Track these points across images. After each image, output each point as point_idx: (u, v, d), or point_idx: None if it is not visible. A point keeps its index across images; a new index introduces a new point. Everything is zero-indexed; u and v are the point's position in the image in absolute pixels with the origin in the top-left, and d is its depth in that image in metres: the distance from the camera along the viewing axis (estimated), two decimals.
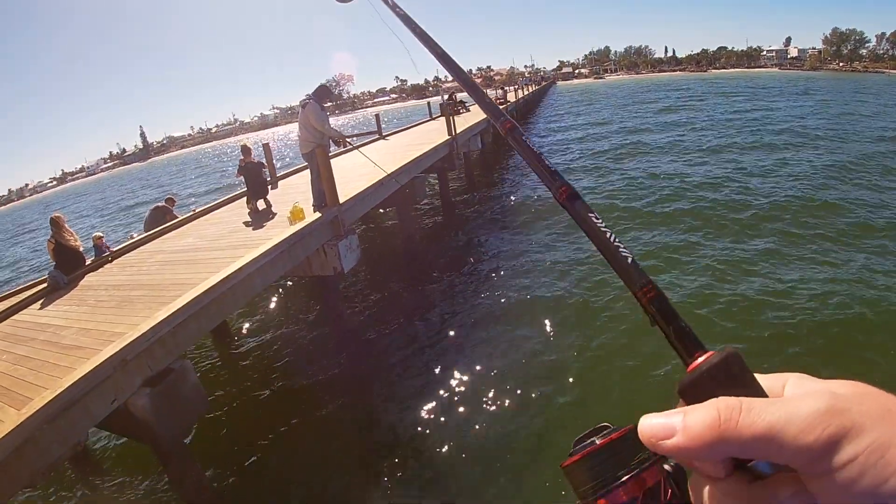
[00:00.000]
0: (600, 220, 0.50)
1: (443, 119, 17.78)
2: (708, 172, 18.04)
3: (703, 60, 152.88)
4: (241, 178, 10.11)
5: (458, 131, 16.64)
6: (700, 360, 0.42)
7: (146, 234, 9.51)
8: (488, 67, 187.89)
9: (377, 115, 22.90)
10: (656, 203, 15.10)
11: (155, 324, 4.93)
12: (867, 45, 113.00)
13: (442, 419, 6.86)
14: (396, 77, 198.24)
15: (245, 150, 10.20)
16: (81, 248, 8.04)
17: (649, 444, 0.40)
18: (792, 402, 0.37)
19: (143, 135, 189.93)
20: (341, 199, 8.55)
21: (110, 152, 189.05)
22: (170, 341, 5.15)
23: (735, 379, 0.40)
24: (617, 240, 0.49)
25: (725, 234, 12.00)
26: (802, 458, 0.35)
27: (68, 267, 7.67)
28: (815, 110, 33.92)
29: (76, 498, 6.63)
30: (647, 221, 13.71)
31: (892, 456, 0.33)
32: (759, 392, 0.40)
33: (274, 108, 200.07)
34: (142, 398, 4.68)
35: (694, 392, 0.41)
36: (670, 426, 0.39)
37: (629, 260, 0.48)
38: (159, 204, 11.04)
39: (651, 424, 0.40)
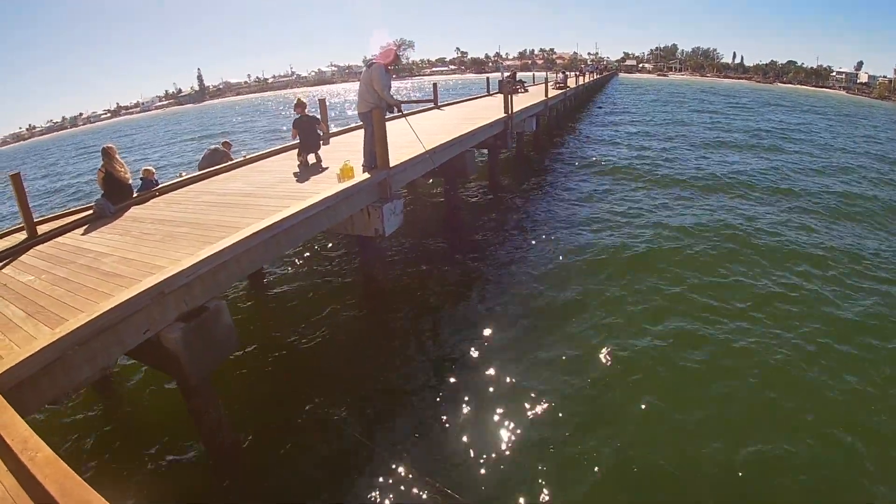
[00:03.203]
0: None
1: (499, 96, 17.42)
2: None
3: (770, 72, 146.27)
4: (295, 130, 10.09)
5: (514, 110, 16.26)
6: None
7: (196, 174, 9.56)
8: (551, 50, 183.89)
9: (434, 84, 22.49)
10: None
11: (197, 261, 4.90)
12: None
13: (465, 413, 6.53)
14: (457, 48, 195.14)
15: (300, 104, 10.18)
16: (130, 180, 8.10)
17: None
18: None
19: (199, 77, 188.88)
20: (392, 163, 8.40)
21: (166, 91, 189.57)
22: (209, 280, 5.12)
23: None
24: None
25: None
26: None
27: (116, 197, 7.74)
28: None
29: (97, 419, 6.75)
30: None
31: None
32: None
33: (332, 64, 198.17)
34: (174, 332, 4.66)
35: None
36: None
37: None
38: (217, 146, 11.09)
39: None
